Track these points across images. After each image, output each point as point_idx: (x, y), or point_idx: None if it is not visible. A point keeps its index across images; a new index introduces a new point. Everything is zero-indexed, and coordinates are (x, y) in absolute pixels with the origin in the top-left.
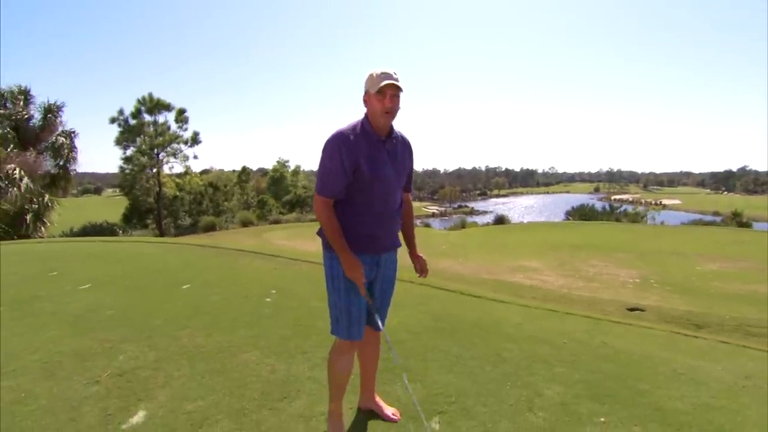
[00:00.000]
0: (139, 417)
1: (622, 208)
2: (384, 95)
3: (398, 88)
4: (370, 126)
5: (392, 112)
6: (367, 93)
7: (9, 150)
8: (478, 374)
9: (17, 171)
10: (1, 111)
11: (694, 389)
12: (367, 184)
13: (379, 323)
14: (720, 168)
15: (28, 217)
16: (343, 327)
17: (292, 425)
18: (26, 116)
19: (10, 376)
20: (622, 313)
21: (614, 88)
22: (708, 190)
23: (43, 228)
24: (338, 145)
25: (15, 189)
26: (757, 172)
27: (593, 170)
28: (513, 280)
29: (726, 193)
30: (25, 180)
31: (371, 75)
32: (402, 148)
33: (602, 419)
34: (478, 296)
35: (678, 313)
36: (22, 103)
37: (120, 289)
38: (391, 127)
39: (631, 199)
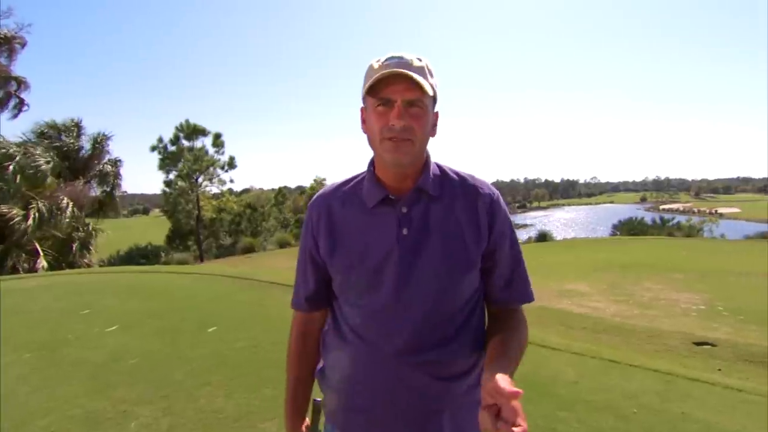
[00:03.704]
0: None
1: (675, 220)
2: (388, 105)
3: (415, 85)
4: (374, 177)
5: (403, 138)
6: (363, 106)
7: (59, 180)
8: None
9: (65, 200)
10: (57, 143)
11: None
12: (351, 292)
13: None
14: None
15: (75, 245)
16: None
17: None
18: (77, 147)
19: None
20: (688, 348)
21: (658, 90)
22: None
23: (88, 254)
24: (308, 216)
25: (63, 217)
26: None
27: (638, 179)
28: (560, 306)
29: None
30: (71, 207)
31: (370, 66)
32: (453, 214)
33: None
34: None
35: (758, 349)
36: (74, 134)
37: (146, 332)
38: (425, 171)
39: (682, 209)
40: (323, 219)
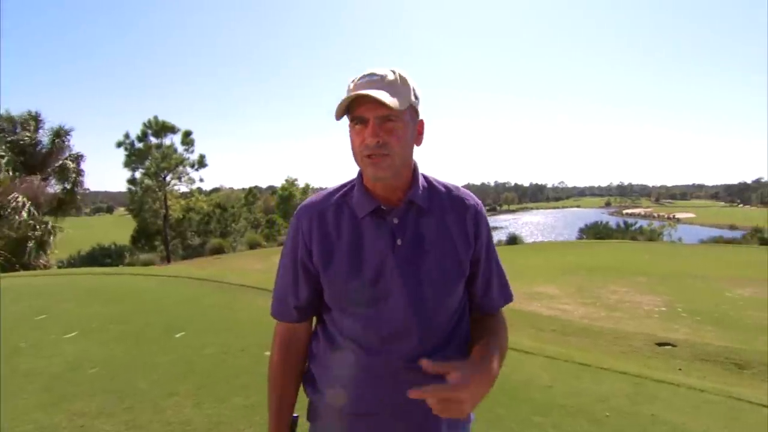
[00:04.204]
0: None
1: (637, 225)
2: (363, 123)
3: (386, 106)
4: (363, 187)
5: (380, 154)
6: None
7: (14, 176)
8: None
9: (20, 198)
10: (11, 138)
11: None
12: (346, 301)
13: None
14: (734, 180)
15: (30, 245)
16: None
17: None
18: (34, 141)
19: None
20: (651, 349)
21: (623, 100)
22: (722, 203)
23: (44, 254)
24: (296, 225)
25: (17, 216)
26: None
27: (603, 184)
28: (530, 309)
29: (741, 205)
30: (27, 206)
31: (347, 85)
32: (442, 224)
33: None
34: None
35: (714, 349)
36: (32, 128)
37: (108, 338)
38: (414, 182)
39: (643, 213)
40: (315, 227)
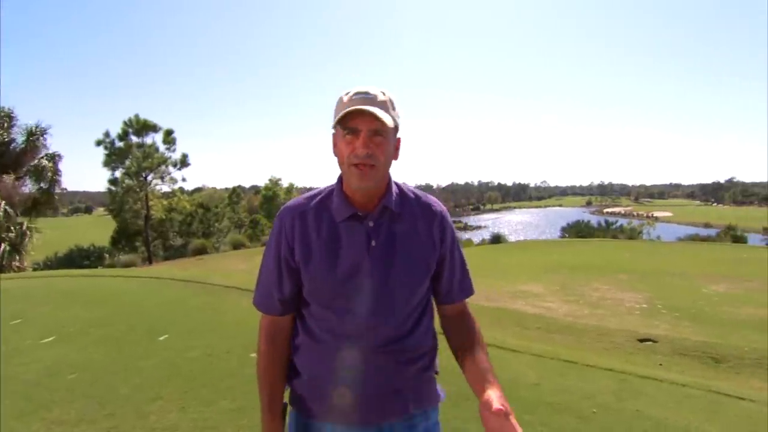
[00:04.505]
0: None
1: (618, 223)
2: (355, 134)
3: (379, 122)
4: (342, 193)
5: (368, 164)
6: (334, 132)
7: None
8: None
9: None
10: None
11: None
12: (325, 296)
13: None
14: (708, 180)
15: (3, 247)
16: None
17: None
18: (7, 140)
19: None
20: (633, 345)
21: (605, 101)
22: (698, 202)
23: (18, 257)
24: (280, 225)
25: None
26: (744, 183)
27: (585, 183)
28: (515, 307)
29: (716, 204)
30: (1, 206)
31: (340, 99)
32: (412, 228)
33: None
34: (488, 344)
35: (692, 344)
36: (5, 126)
37: (88, 342)
38: (388, 191)
39: (623, 212)
40: (297, 228)
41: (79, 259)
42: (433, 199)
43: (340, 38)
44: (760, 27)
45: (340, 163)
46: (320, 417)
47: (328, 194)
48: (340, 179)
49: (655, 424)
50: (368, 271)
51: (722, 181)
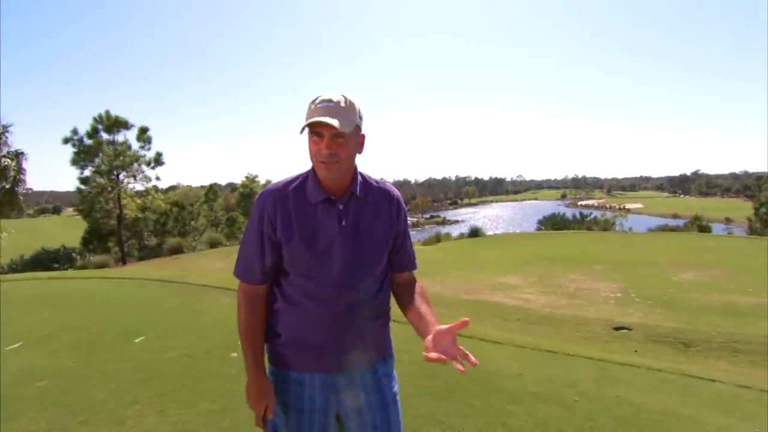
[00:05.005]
0: None
1: (592, 215)
2: (320, 136)
3: (336, 131)
4: (316, 180)
5: (331, 162)
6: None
7: None
8: None
9: None
10: None
11: None
12: (304, 266)
13: None
14: (676, 172)
15: None
16: None
17: None
18: None
19: None
20: (609, 333)
21: (578, 97)
22: (666, 194)
23: None
24: (261, 206)
25: None
26: (708, 176)
27: (559, 177)
28: (494, 299)
29: (682, 196)
30: None
31: (309, 105)
32: (374, 210)
33: None
34: (470, 336)
35: (664, 330)
36: None
37: (58, 348)
38: (354, 179)
39: (597, 205)
40: (279, 208)
41: (48, 261)
42: (390, 186)
43: (311, 38)
44: (725, 24)
45: (311, 159)
46: (300, 369)
47: (303, 180)
48: (314, 169)
49: (635, 409)
50: (340, 245)
51: (689, 173)
